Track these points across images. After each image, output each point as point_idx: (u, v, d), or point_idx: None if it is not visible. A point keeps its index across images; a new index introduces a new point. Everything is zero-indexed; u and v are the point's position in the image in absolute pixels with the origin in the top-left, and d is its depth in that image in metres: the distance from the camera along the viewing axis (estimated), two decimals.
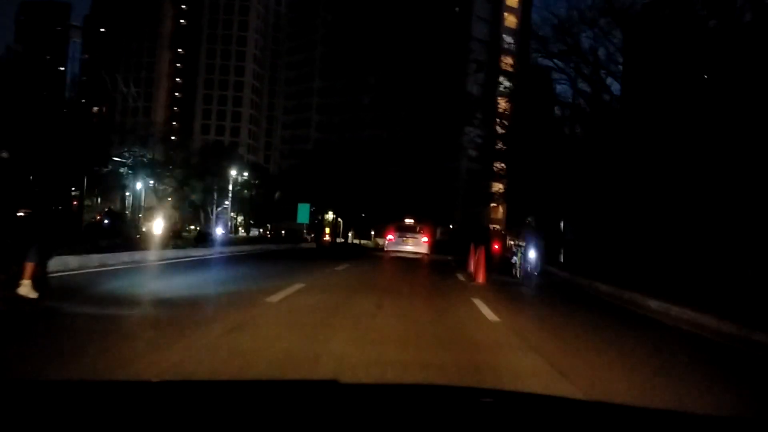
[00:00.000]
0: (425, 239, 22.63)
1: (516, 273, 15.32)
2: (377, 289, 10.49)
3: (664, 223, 18.62)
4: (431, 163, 66.04)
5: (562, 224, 24.13)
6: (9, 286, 5.88)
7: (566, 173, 25.50)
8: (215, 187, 58.39)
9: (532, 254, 14.51)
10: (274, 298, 7.93)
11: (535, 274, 14.58)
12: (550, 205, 28.13)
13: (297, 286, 9.54)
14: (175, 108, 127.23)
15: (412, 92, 74.55)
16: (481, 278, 13.21)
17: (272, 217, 69.38)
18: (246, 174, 63.16)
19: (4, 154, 5.95)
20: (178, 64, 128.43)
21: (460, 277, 15.00)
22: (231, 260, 16.98)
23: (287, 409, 1.37)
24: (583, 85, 27.30)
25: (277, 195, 62.52)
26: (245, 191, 62.75)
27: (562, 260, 23.13)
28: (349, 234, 67.07)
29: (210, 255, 18.28)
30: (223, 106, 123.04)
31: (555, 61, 26.21)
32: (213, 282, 10.73)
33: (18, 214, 6.01)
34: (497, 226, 68.74)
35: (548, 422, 1.44)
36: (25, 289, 5.93)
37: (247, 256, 20.05)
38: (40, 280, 6.11)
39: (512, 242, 16.33)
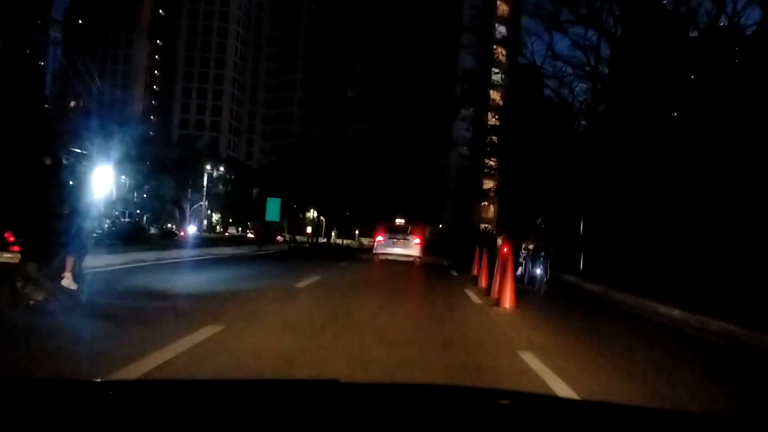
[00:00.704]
0: (417, 241, 21.18)
1: (525, 281, 13.49)
2: (348, 329, 6.21)
3: (692, 223, 17.45)
4: (419, 159, 62.58)
5: (582, 225, 21.06)
6: (53, 277, 6.34)
7: (576, 170, 23.70)
8: (190, 183, 54.53)
9: (541, 261, 13.11)
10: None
11: (544, 281, 12.94)
12: (557, 205, 25.10)
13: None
14: (153, 101, 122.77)
15: (399, 83, 71.07)
16: (508, 302, 9.05)
17: (253, 215, 65.71)
18: (222, 169, 59.27)
19: (48, 161, 6.52)
20: (157, 56, 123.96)
21: (471, 294, 11.21)
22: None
23: (288, 408, 1.37)
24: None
25: (254, 191, 58.74)
26: (221, 187, 58.89)
27: (580, 266, 19.78)
28: (332, 233, 63.46)
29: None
30: (203, 100, 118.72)
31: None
32: None
33: (63, 213, 6.48)
34: (488, 226, 65.51)
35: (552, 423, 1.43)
36: (67, 280, 6.52)
37: (175, 264, 15.24)
38: (77, 273, 6.71)
39: (525, 246, 14.61)
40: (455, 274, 17.72)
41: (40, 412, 1.22)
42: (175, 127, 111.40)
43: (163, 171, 47.65)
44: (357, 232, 63.53)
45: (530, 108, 35.11)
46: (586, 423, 1.45)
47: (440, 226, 60.61)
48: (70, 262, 6.49)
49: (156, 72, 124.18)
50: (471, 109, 66.75)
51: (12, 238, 6.41)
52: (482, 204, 67.22)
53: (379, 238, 21.37)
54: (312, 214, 61.75)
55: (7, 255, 6.36)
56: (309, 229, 62.38)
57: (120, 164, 43.35)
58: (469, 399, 1.68)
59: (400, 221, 24.55)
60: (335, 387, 1.56)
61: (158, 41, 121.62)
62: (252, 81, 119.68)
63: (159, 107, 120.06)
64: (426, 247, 23.02)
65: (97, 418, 1.21)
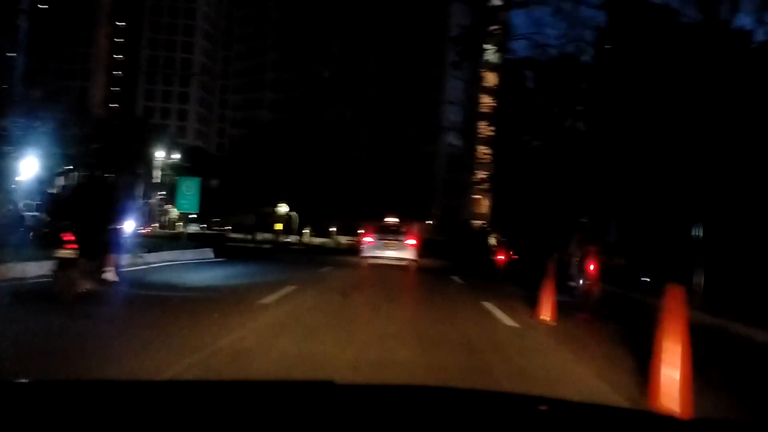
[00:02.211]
0: (412, 242, 19.10)
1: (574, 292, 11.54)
2: None
3: None
4: (404, 147, 54.79)
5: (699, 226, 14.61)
6: (98, 271, 8.02)
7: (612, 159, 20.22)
8: (138, 172, 46.43)
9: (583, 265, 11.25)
10: None
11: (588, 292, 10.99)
12: (592, 200, 20.44)
13: None
14: (115, 88, 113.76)
15: (381, 60, 63.33)
16: None
17: (221, 209, 57.87)
18: (178, 156, 51.14)
19: (97, 181, 9.13)
20: (119, 39, 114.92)
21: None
22: None
23: (282, 409, 1.38)
24: None
25: (213, 183, 50.79)
26: (176, 178, 50.90)
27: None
28: (305, 231, 55.70)
29: None
30: (169, 87, 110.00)
31: None
32: None
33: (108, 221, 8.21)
34: (483, 222, 58.22)
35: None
36: (110, 274, 8.25)
37: None
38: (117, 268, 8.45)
39: (574, 251, 12.19)
40: (466, 287, 14.93)
41: (41, 413, 1.23)
42: (139, 115, 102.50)
43: (96, 155, 39.69)
44: (334, 229, 55.81)
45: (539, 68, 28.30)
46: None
47: (428, 222, 53.23)
48: (111, 259, 8.36)
49: (118, 56, 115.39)
50: (464, 83, 59.50)
51: (69, 239, 7.52)
52: (475, 198, 59.96)
53: (368, 239, 19.55)
54: (282, 209, 53.95)
55: (65, 252, 7.49)
56: (279, 226, 54.52)
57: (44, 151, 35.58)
58: (462, 401, 1.67)
59: (391, 220, 22.54)
60: (330, 388, 1.55)
61: (120, 23, 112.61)
62: (223, 69, 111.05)
63: (122, 94, 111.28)
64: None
65: (81, 420, 1.21)
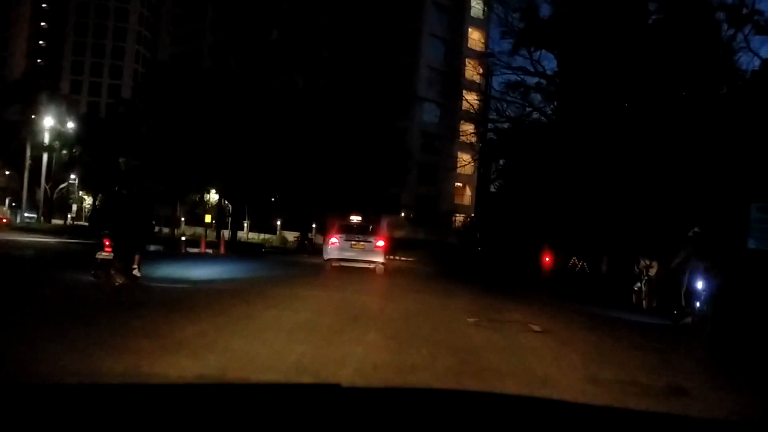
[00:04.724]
0: (380, 244, 17.96)
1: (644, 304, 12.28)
2: None
3: None
4: (369, 123, 43.49)
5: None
6: (129, 268, 9.72)
7: None
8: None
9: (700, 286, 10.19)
10: None
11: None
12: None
13: None
14: (39, 60, 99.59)
15: (339, 19, 51.98)
16: None
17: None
18: (72, 126, 38.99)
19: (125, 192, 10.67)
20: (44, 5, 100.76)
21: None
22: None
23: (289, 413, 1.38)
24: None
25: (121, 161, 38.95)
26: (63, 152, 38.88)
27: None
28: (245, 224, 44.29)
29: None
30: (100, 59, 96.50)
31: None
32: None
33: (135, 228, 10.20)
34: (468, 216, 47.82)
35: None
36: (136, 271, 9.87)
37: None
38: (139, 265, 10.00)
39: (645, 262, 12.75)
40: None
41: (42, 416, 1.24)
42: (65, 91, 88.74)
43: None
44: (279, 223, 44.55)
45: None
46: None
47: (402, 214, 42.58)
48: (137, 258, 9.94)
49: (42, 24, 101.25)
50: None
51: (108, 242, 9.47)
52: (457, 185, 49.53)
53: (333, 239, 18.46)
54: (213, 197, 42.47)
55: (104, 254, 9.41)
56: (209, 218, 42.96)
57: None
58: (470, 403, 1.66)
59: (357, 218, 21.58)
60: (337, 392, 1.56)
61: None
62: (165, 39, 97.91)
63: (47, 67, 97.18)
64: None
65: (98, 422, 1.22)
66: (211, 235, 42.66)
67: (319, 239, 36.32)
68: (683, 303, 10.48)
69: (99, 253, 9.34)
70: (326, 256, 18.48)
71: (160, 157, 41.93)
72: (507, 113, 31.08)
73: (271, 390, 1.86)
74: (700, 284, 10.20)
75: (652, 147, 19.96)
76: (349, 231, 18.73)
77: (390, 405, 1.53)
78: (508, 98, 30.12)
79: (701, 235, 10.93)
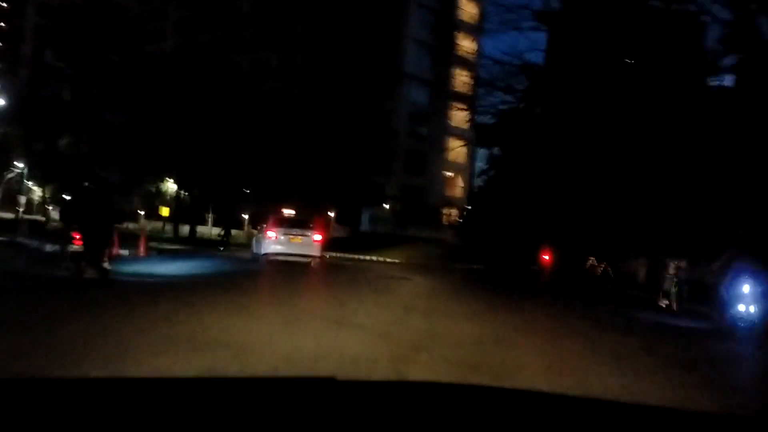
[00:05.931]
0: (318, 238, 18.25)
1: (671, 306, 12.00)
2: None
3: None
4: (349, 102, 38.30)
5: None
6: (99, 261, 9.92)
7: None
8: None
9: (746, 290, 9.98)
10: None
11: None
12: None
13: None
14: None
15: None
16: None
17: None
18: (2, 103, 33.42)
19: (92, 186, 10.90)
20: None
21: None
22: None
23: (285, 406, 1.37)
24: None
25: (62, 143, 33.52)
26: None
27: None
28: (209, 217, 39.02)
29: None
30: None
31: None
32: None
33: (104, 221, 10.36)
34: (453, 211, 42.99)
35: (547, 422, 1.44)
36: (106, 264, 9.99)
37: None
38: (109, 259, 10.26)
39: (672, 265, 12.60)
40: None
41: (40, 410, 1.22)
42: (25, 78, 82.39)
43: None
44: (246, 216, 39.37)
45: None
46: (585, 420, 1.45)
47: (386, 205, 37.73)
48: (106, 252, 10.13)
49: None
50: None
51: (77, 236, 10.00)
52: (448, 175, 44.67)
53: (270, 233, 18.25)
54: (170, 186, 37.11)
55: (75, 246, 10.04)
56: (165, 211, 37.63)
57: None
58: (466, 395, 1.65)
59: (290, 212, 22.25)
60: (331, 384, 1.55)
61: None
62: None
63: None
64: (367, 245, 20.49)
65: (90, 417, 1.20)
66: (182, 231, 37.57)
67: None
68: (727, 306, 10.35)
69: (69, 246, 10.37)
70: (263, 251, 18.24)
71: (111, 141, 36.55)
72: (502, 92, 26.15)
73: (265, 383, 1.85)
74: (746, 287, 10.09)
75: (688, 134, 18.90)
76: (286, 225, 18.61)
77: (384, 398, 1.51)
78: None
79: (745, 236, 11.13)
